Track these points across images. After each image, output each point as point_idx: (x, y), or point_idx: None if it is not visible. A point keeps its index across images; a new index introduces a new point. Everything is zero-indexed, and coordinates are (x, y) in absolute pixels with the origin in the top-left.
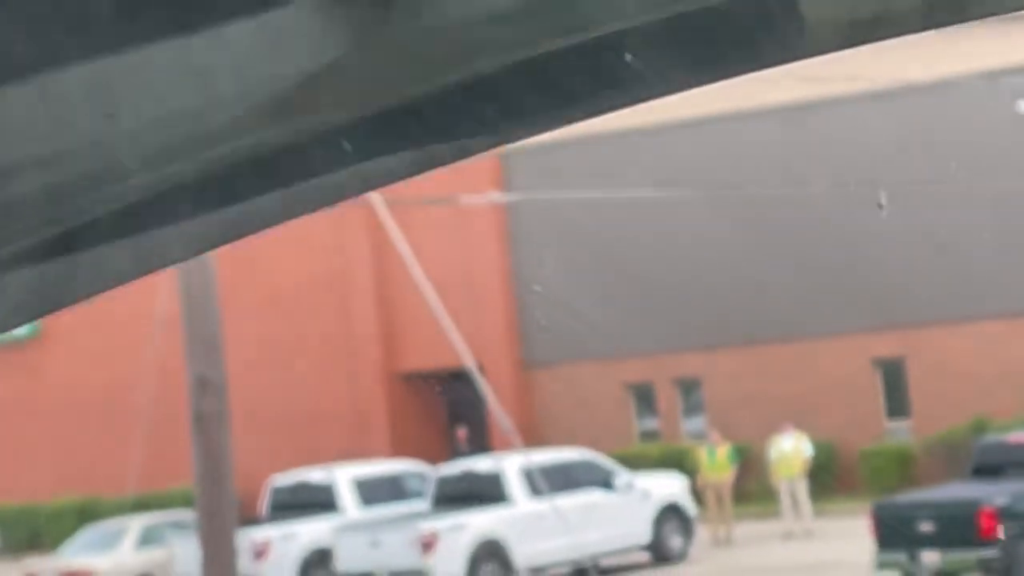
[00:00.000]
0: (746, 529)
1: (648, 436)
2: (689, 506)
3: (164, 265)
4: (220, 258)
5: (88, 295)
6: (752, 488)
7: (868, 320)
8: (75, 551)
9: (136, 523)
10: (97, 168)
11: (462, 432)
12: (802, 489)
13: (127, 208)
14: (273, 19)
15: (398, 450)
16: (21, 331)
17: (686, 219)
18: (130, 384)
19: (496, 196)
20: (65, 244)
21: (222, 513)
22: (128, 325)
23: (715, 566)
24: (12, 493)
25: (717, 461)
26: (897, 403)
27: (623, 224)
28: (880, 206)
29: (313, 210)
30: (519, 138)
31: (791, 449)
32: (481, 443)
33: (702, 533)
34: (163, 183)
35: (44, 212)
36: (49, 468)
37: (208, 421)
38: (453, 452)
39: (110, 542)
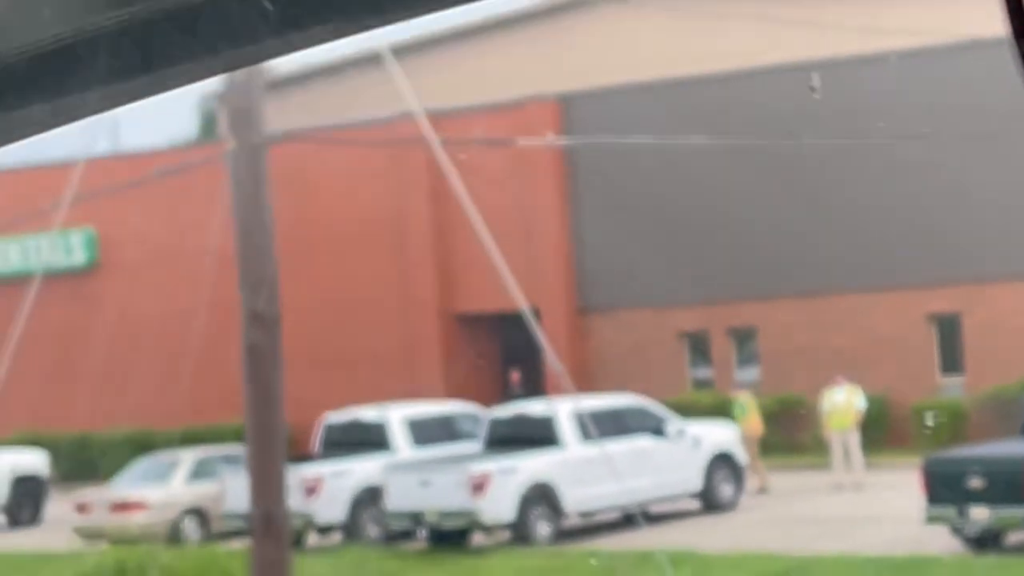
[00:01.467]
0: (797, 480)
1: (701, 385)
2: (740, 455)
3: (79, 117)
4: (278, 194)
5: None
6: (805, 440)
7: (925, 275)
8: (127, 482)
9: (188, 456)
10: (12, 15)
11: (515, 375)
12: (854, 442)
13: (42, 58)
14: None
15: (451, 391)
16: (79, 260)
17: (744, 168)
18: (185, 317)
19: (554, 139)
20: None
21: (273, 448)
22: (185, 259)
23: (764, 515)
24: (65, 422)
25: (736, 412)
26: (951, 359)
27: (682, 171)
28: (812, 89)
29: (229, 70)
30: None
31: (843, 402)
32: (535, 387)
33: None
34: (80, 35)
35: None
36: (103, 398)
37: (260, 355)
38: (506, 395)
39: (162, 474)
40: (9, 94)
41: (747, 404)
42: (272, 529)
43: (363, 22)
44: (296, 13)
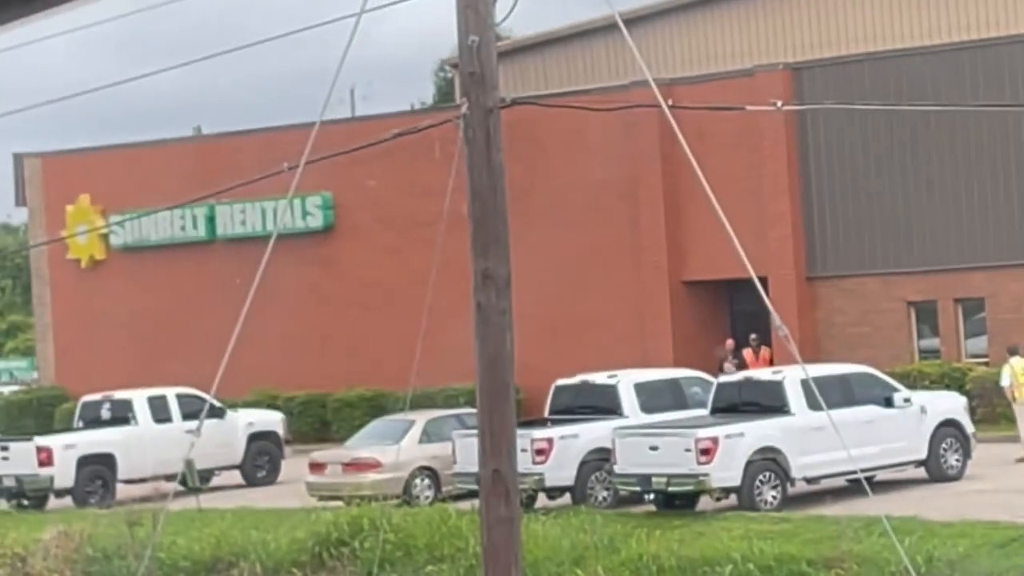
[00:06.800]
0: None
1: (928, 354)
2: (967, 424)
3: None
4: (510, 158)
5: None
6: None
7: None
8: (361, 442)
9: (421, 417)
10: None
11: (729, 342)
12: None
13: None
14: None
15: (680, 357)
16: (316, 223)
17: (975, 136)
18: (418, 280)
19: (784, 105)
20: None
21: (503, 410)
22: (418, 222)
23: (990, 485)
24: (302, 384)
25: None
26: None
27: (909, 140)
28: None
29: None
30: None
31: None
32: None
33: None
34: None
35: None
36: (338, 360)
37: (491, 315)
38: (720, 365)
39: (395, 435)
40: None
41: None
42: (501, 489)
43: None
44: None
